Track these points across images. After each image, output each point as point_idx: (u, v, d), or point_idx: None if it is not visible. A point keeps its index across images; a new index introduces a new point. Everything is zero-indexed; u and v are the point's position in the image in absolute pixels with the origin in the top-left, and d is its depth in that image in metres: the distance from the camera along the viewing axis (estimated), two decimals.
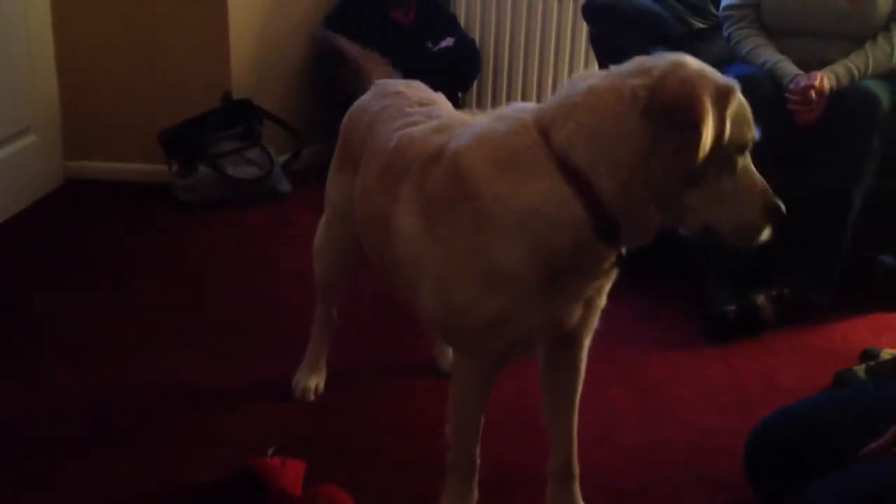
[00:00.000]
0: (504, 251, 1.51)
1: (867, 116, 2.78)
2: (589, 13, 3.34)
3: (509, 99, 4.57)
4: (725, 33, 3.14)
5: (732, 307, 2.74)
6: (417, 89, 2.02)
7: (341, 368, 2.42)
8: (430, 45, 4.18)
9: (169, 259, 3.21)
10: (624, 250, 1.56)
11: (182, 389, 2.36)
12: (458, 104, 4.14)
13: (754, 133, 1.50)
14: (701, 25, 3.36)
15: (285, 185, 3.85)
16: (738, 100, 1.47)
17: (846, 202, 2.81)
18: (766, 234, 1.54)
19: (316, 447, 2.10)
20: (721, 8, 3.17)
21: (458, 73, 4.24)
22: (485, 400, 1.74)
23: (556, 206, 1.47)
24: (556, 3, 4.42)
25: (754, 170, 1.53)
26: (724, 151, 1.46)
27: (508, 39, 4.50)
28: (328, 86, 4.17)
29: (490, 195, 1.51)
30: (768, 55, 2.96)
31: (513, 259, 1.51)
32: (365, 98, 2.08)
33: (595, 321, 1.74)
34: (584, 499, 1.88)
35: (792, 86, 2.82)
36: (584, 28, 4.36)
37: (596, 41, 3.47)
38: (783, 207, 1.53)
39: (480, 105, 4.56)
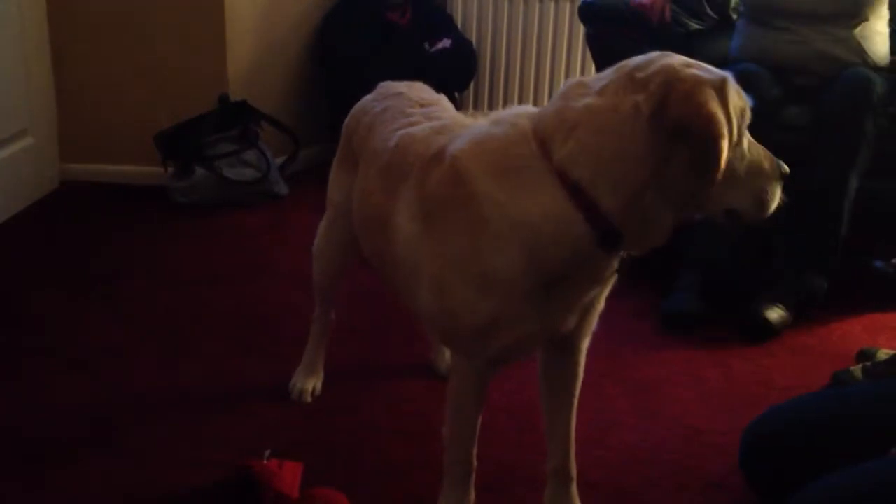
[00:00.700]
0: (499, 256, 1.50)
1: (861, 99, 2.79)
2: (585, 14, 3.35)
3: (506, 99, 4.58)
4: None
5: (692, 310, 2.79)
6: (420, 90, 2.02)
7: (338, 370, 2.42)
8: (426, 46, 4.19)
9: (165, 261, 3.21)
10: (626, 257, 1.55)
11: (178, 391, 2.36)
12: (455, 105, 4.15)
13: (749, 105, 1.51)
14: (697, 27, 3.37)
15: (282, 187, 3.85)
16: (733, 87, 1.48)
17: (842, 188, 2.82)
18: (778, 194, 1.57)
19: (313, 449, 2.10)
20: None
21: (455, 74, 4.25)
22: (482, 402, 1.74)
23: (556, 222, 1.47)
24: (552, 5, 4.43)
25: (751, 138, 1.54)
26: (735, 139, 1.47)
27: (505, 40, 4.51)
28: (325, 87, 4.17)
29: (488, 200, 1.50)
30: None
31: (508, 264, 1.50)
32: (367, 99, 2.08)
33: (593, 324, 1.73)
34: (582, 499, 1.88)
35: None
36: (580, 29, 4.37)
37: (592, 42, 3.47)
38: (783, 163, 1.57)
39: (477, 106, 4.58)
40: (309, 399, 2.32)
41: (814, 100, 2.89)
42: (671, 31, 3.17)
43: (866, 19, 2.99)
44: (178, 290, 2.96)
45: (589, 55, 4.38)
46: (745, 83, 1.54)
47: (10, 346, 2.56)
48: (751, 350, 2.70)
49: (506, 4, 4.45)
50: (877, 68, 2.97)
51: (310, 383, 2.34)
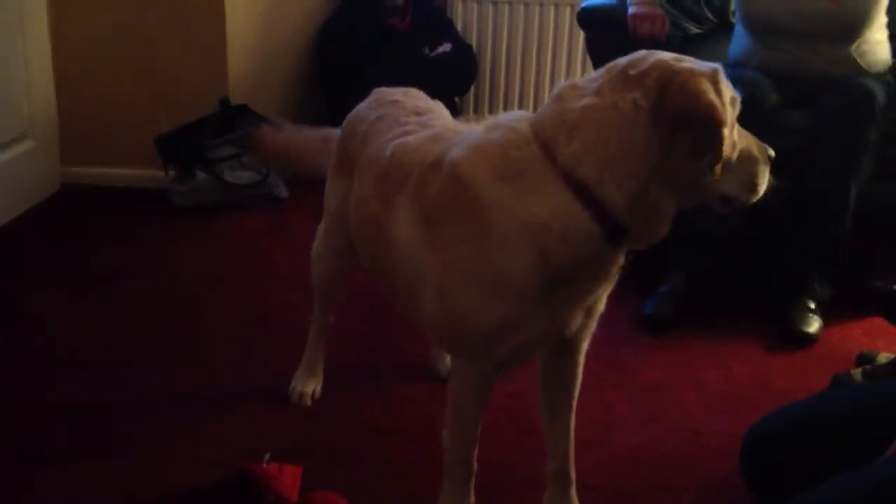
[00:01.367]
0: (508, 258, 1.51)
1: (863, 110, 2.79)
2: (585, 19, 3.35)
3: (506, 104, 4.59)
4: None
5: (666, 315, 2.80)
6: (415, 98, 2.02)
7: (338, 373, 2.42)
8: (427, 50, 4.19)
9: (166, 264, 3.21)
10: (630, 254, 1.57)
11: (178, 394, 2.36)
12: (455, 110, 4.17)
13: (737, 96, 1.54)
14: (696, 30, 3.37)
15: (282, 191, 3.85)
16: (724, 78, 1.51)
17: (843, 195, 2.82)
18: (767, 177, 1.60)
19: (313, 452, 2.10)
20: None
21: (455, 78, 4.25)
22: (483, 405, 1.74)
23: (564, 221, 1.48)
24: (552, 9, 4.44)
25: (739, 126, 1.57)
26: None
27: (505, 45, 4.51)
28: (325, 91, 4.18)
29: (492, 203, 1.51)
30: None
31: (516, 266, 1.51)
32: (362, 106, 2.08)
33: (594, 326, 1.74)
34: (581, 502, 1.88)
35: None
36: (579, 34, 4.38)
37: (592, 46, 3.48)
38: (769, 147, 1.61)
39: (478, 110, 4.59)
40: (309, 402, 2.32)
41: (813, 103, 2.89)
42: (670, 36, 3.17)
43: (861, 35, 2.97)
44: (178, 293, 2.96)
45: (588, 60, 4.38)
46: (744, 89, 1.56)
47: (10, 347, 2.56)
48: (750, 352, 2.71)
49: (506, 9, 4.46)
50: (878, 74, 2.98)
51: (309, 386, 2.34)
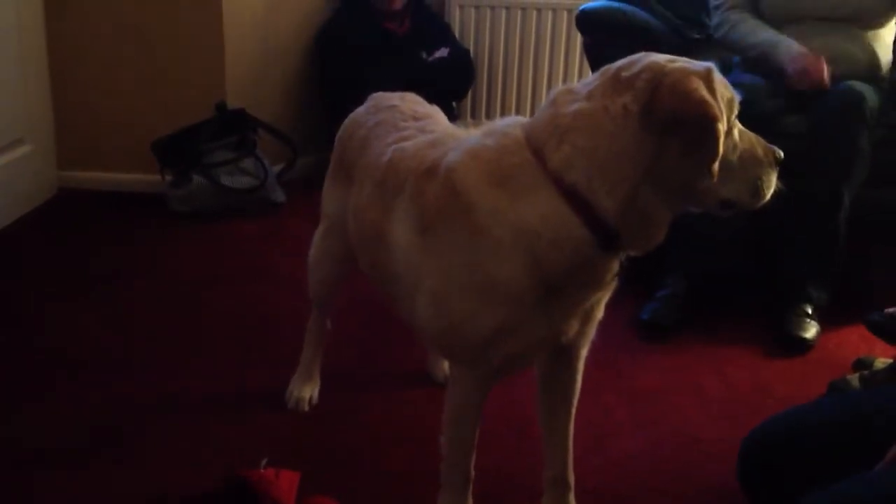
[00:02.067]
0: (501, 265, 1.51)
1: (854, 115, 2.79)
2: (583, 23, 3.36)
3: (504, 108, 4.59)
4: (716, 20, 3.19)
5: (668, 322, 2.80)
6: (413, 102, 2.02)
7: (335, 378, 2.42)
8: (424, 55, 4.19)
9: (163, 269, 3.20)
10: (625, 260, 1.56)
11: (175, 399, 2.35)
12: (452, 114, 4.17)
13: (736, 97, 1.52)
14: (696, 36, 3.38)
15: (280, 195, 3.85)
16: (718, 77, 1.49)
17: (836, 200, 2.83)
18: (774, 181, 1.57)
19: (310, 458, 2.09)
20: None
21: (452, 83, 4.25)
22: (481, 411, 1.74)
23: (555, 227, 1.47)
24: (549, 14, 4.44)
25: (742, 127, 1.55)
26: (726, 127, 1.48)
27: (503, 50, 4.52)
28: (323, 96, 4.18)
29: (486, 209, 1.51)
30: (769, 33, 3.03)
31: (509, 272, 1.51)
32: (359, 111, 2.08)
33: (592, 332, 1.74)
34: None
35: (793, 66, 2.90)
36: (577, 38, 4.38)
37: (590, 51, 3.48)
38: (777, 149, 1.57)
39: (475, 115, 4.58)
40: (306, 407, 2.32)
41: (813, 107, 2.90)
42: (670, 42, 3.18)
43: (883, 26, 3.04)
44: (175, 297, 2.96)
45: (586, 64, 4.38)
46: (741, 93, 1.55)
47: (9, 349, 2.56)
48: (748, 358, 2.71)
49: (503, 14, 4.46)
50: (878, 77, 2.98)
51: (306, 391, 2.33)
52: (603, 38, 3.29)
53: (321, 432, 2.23)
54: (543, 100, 1.59)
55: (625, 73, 1.47)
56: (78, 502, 1.95)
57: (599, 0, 3.38)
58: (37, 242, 3.40)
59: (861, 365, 2.55)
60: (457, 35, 4.42)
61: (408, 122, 1.90)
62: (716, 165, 1.44)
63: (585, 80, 1.56)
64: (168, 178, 3.74)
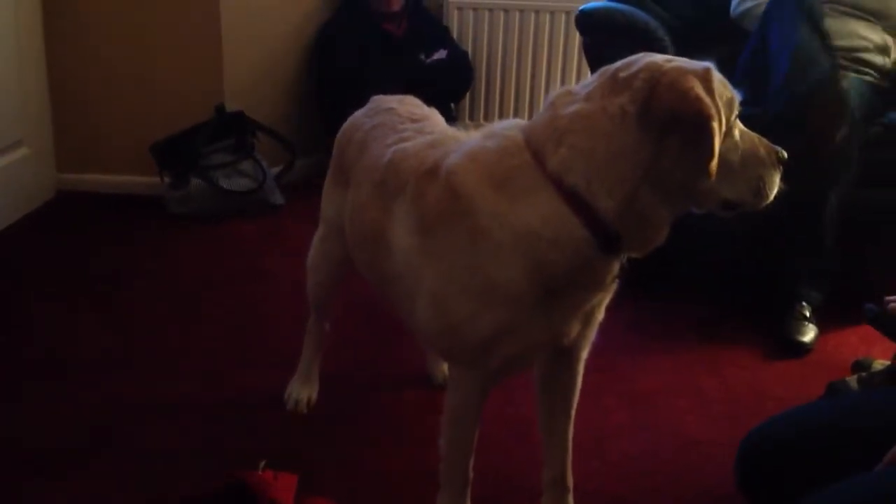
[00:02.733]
0: (501, 267, 1.50)
1: (834, 112, 2.78)
2: (582, 24, 3.36)
3: (502, 110, 4.59)
4: (739, 9, 3.22)
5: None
6: (411, 105, 2.02)
7: (334, 380, 2.42)
8: (423, 57, 4.19)
9: (161, 271, 3.20)
10: (626, 262, 1.55)
11: (173, 401, 2.35)
12: (451, 116, 4.17)
13: (736, 96, 1.51)
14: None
15: (278, 197, 3.85)
16: (717, 77, 1.49)
17: (822, 201, 2.82)
18: (777, 181, 1.56)
19: (308, 459, 2.09)
20: None
21: (451, 85, 4.25)
22: (480, 413, 1.74)
23: (555, 228, 1.47)
24: (548, 15, 4.44)
25: (744, 127, 1.55)
26: (724, 126, 1.48)
27: (501, 51, 4.51)
28: (321, 98, 4.18)
29: (486, 212, 1.51)
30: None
31: (510, 275, 1.50)
32: (358, 114, 2.08)
33: (592, 335, 1.74)
34: None
35: None
36: (575, 40, 4.39)
37: (589, 51, 3.48)
38: (780, 148, 1.57)
39: (473, 117, 4.58)
40: (305, 409, 2.32)
41: None
42: (669, 42, 3.19)
43: None
44: (174, 300, 2.96)
45: (584, 66, 4.39)
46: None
47: (6, 352, 2.55)
48: (746, 359, 2.71)
49: (501, 15, 4.46)
50: (883, 70, 2.99)
51: (305, 393, 2.33)
52: (602, 38, 3.29)
53: (320, 434, 2.23)
54: (541, 102, 1.58)
55: (622, 74, 1.48)
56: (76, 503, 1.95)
57: (598, 1, 3.38)
58: (35, 244, 3.40)
59: (859, 367, 2.55)
60: (455, 37, 4.42)
61: (406, 125, 1.90)
62: (713, 164, 1.43)
63: (584, 81, 1.56)
64: (166, 180, 3.74)
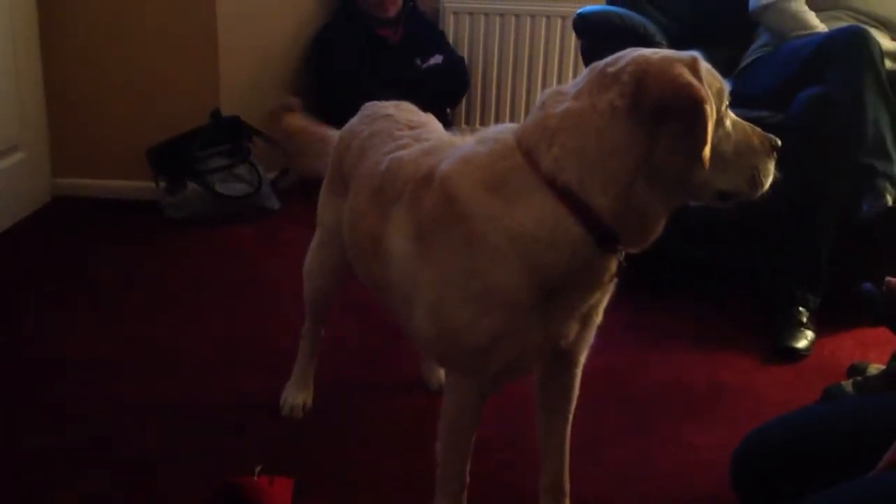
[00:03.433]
0: (498, 271, 1.50)
1: (821, 115, 2.78)
2: (580, 27, 3.36)
3: (498, 115, 4.60)
4: (763, 1, 3.20)
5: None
6: (407, 111, 2.02)
7: (330, 385, 2.41)
8: (418, 62, 4.20)
9: (157, 276, 3.20)
10: (623, 261, 1.54)
11: (168, 405, 2.34)
12: (447, 121, 4.18)
13: (725, 86, 1.51)
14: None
15: (274, 202, 3.85)
16: (705, 65, 1.48)
17: (821, 204, 2.83)
18: (772, 170, 1.55)
19: (304, 465, 2.09)
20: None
21: (446, 90, 4.26)
22: (478, 419, 1.73)
23: (551, 229, 1.46)
24: (543, 20, 4.45)
25: (736, 117, 1.54)
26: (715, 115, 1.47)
27: (497, 56, 4.53)
28: (317, 103, 4.18)
29: (481, 216, 1.50)
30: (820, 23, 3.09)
31: (507, 279, 1.50)
32: (354, 122, 2.08)
33: (591, 338, 1.73)
34: None
35: None
36: (571, 44, 4.40)
37: (586, 55, 3.48)
38: (774, 136, 1.56)
39: (470, 122, 4.59)
40: (300, 414, 2.32)
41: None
42: (666, 45, 3.19)
43: None
44: (169, 304, 2.95)
45: (580, 70, 4.37)
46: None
47: (2, 357, 2.55)
48: (742, 364, 2.71)
49: (497, 20, 4.47)
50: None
51: (300, 398, 2.33)
52: (599, 42, 3.29)
53: (315, 439, 2.23)
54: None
55: (611, 69, 1.47)
56: None
57: (595, 4, 3.39)
58: (31, 249, 3.40)
59: (855, 371, 2.56)
60: (451, 42, 4.43)
61: (403, 132, 1.90)
62: (707, 152, 1.42)
63: (574, 80, 1.55)
64: (162, 185, 3.74)
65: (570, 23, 3.64)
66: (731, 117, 1.53)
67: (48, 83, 3.81)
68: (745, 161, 1.53)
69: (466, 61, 4.43)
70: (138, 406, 2.35)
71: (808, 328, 2.81)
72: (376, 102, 2.09)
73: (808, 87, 2.82)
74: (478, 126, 4.47)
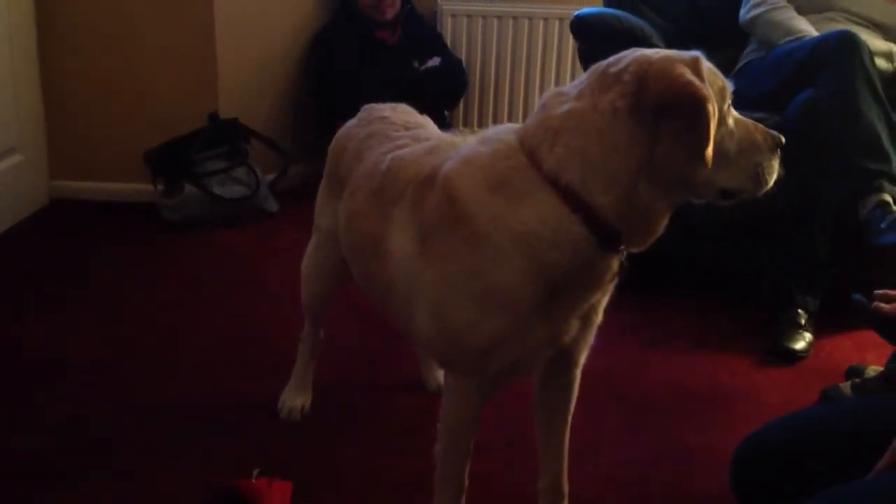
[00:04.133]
0: (501, 271, 1.50)
1: (813, 120, 2.79)
2: (577, 29, 3.37)
3: (496, 117, 4.60)
4: (750, 14, 3.22)
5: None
6: (403, 113, 2.02)
7: (328, 387, 2.41)
8: (416, 64, 4.20)
9: (154, 279, 3.20)
10: (625, 261, 1.54)
11: (166, 408, 2.34)
12: (445, 123, 4.18)
13: (728, 85, 1.50)
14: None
15: (272, 204, 3.85)
16: (707, 65, 1.48)
17: (820, 206, 2.82)
18: (777, 167, 1.55)
19: (302, 468, 2.09)
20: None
21: (444, 92, 4.26)
22: (478, 421, 1.73)
23: (553, 228, 1.46)
24: (541, 23, 4.45)
25: (738, 115, 1.53)
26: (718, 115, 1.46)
27: (495, 58, 4.53)
28: (315, 105, 4.18)
29: (484, 216, 1.50)
30: (811, 27, 3.10)
31: (510, 279, 1.50)
32: (350, 124, 2.07)
33: (591, 338, 1.72)
34: None
35: None
36: (569, 47, 4.40)
37: (584, 57, 3.49)
38: (778, 133, 1.55)
39: (467, 124, 4.59)
40: (299, 417, 2.31)
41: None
42: (664, 47, 3.20)
43: None
44: (167, 307, 2.95)
45: (578, 72, 4.39)
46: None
47: (1, 360, 2.55)
48: (741, 366, 2.71)
49: (495, 22, 4.47)
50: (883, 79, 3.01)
51: (299, 401, 2.33)
52: (597, 43, 3.29)
53: (313, 442, 2.23)
54: (534, 108, 1.58)
55: (612, 69, 1.47)
56: None
57: (592, 6, 3.39)
58: (29, 251, 3.40)
59: (853, 373, 2.55)
60: (449, 44, 4.43)
61: (401, 132, 1.90)
62: (709, 151, 1.42)
63: (576, 81, 1.55)
64: (160, 187, 3.74)
65: (567, 25, 3.64)
66: (733, 115, 1.53)
67: (45, 85, 3.81)
68: (749, 158, 1.52)
69: (464, 63, 4.43)
70: (138, 407, 2.35)
71: (807, 330, 2.82)
72: (373, 105, 2.09)
73: (804, 90, 2.83)
74: (476, 128, 4.47)
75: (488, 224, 1.50)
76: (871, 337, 2.85)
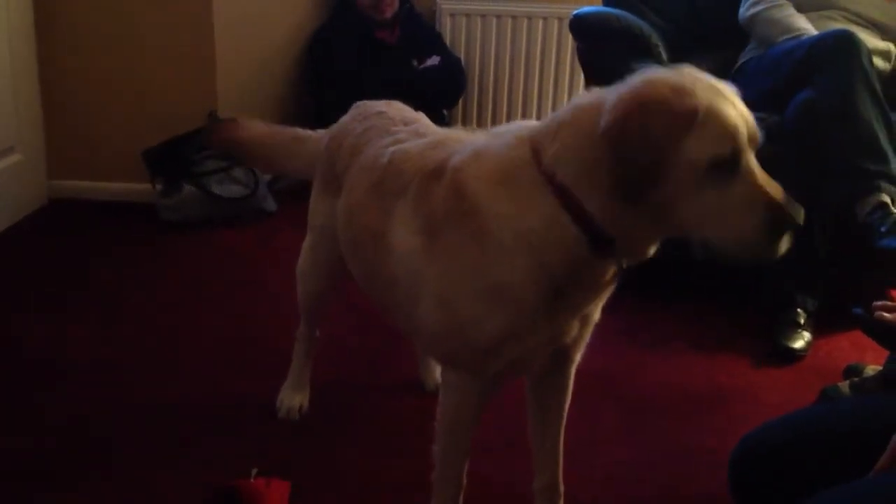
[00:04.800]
0: (507, 268, 1.49)
1: (811, 121, 2.79)
2: (576, 28, 3.37)
3: (494, 116, 4.60)
4: (749, 11, 3.23)
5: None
6: (399, 109, 2.01)
7: (326, 387, 2.41)
8: (416, 63, 4.20)
9: (153, 278, 3.20)
10: (625, 264, 1.51)
11: (165, 408, 2.34)
12: (444, 122, 4.18)
13: (739, 145, 1.36)
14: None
15: (270, 204, 3.84)
16: (708, 119, 1.34)
17: (810, 212, 2.81)
18: (778, 246, 1.40)
19: (300, 467, 2.09)
20: None
21: (443, 91, 4.26)
22: (477, 420, 1.72)
23: (550, 226, 1.45)
24: (540, 22, 4.45)
25: (758, 178, 1.38)
26: (689, 169, 1.34)
27: (493, 58, 4.53)
28: (314, 105, 4.18)
29: (490, 212, 1.49)
30: (810, 24, 3.10)
31: (516, 276, 1.49)
32: (345, 120, 2.06)
33: (587, 337, 1.71)
34: None
35: None
36: (568, 46, 4.40)
37: (583, 56, 3.49)
38: (795, 216, 1.39)
39: (466, 123, 4.59)
40: (297, 416, 2.31)
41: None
42: (662, 47, 3.20)
43: None
44: (166, 307, 2.95)
45: (576, 73, 4.40)
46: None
47: (1, 361, 2.54)
48: (739, 367, 2.71)
49: (494, 21, 4.48)
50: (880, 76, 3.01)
51: (297, 400, 2.33)
52: (596, 43, 3.29)
53: (311, 441, 2.23)
54: (534, 107, 1.57)
55: (627, 79, 1.42)
56: None
57: (592, 6, 3.39)
58: (28, 251, 3.39)
59: (852, 372, 2.55)
60: (448, 43, 4.43)
61: (399, 126, 1.89)
62: (631, 194, 1.36)
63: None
64: (159, 187, 3.73)
65: (566, 24, 3.64)
66: (744, 171, 1.38)
67: (44, 85, 3.80)
68: (734, 223, 1.37)
69: (463, 63, 4.43)
70: (138, 407, 2.34)
71: (806, 330, 2.82)
72: (366, 102, 2.07)
73: (803, 89, 2.83)
74: (475, 127, 4.47)
75: (494, 220, 1.49)
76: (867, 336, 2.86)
